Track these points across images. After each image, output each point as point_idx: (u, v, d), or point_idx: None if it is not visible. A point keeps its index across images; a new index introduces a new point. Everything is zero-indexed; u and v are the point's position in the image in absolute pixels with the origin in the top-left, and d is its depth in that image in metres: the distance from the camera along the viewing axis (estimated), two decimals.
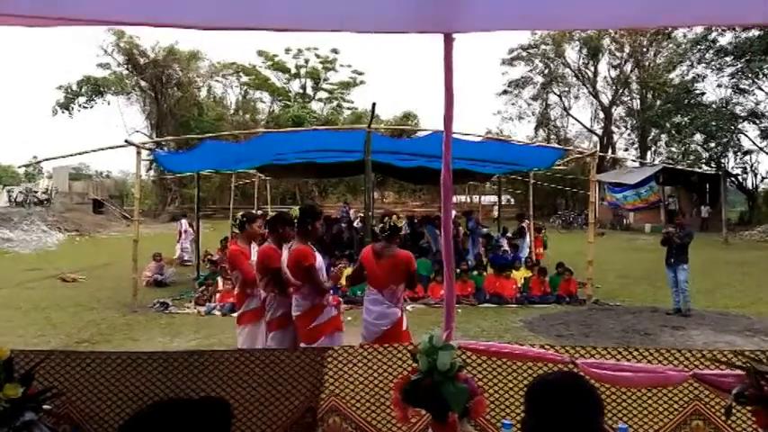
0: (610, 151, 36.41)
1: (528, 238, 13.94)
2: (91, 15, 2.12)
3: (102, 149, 10.04)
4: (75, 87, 35.21)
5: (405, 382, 2.05)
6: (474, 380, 2.17)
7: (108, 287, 11.19)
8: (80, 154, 11.87)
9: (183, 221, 16.12)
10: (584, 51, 38.10)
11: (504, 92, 40.99)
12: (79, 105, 35.58)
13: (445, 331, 2.48)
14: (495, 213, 22.61)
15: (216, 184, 32.88)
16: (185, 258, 15.22)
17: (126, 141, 9.53)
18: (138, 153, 9.51)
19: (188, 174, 16.88)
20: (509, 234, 14.79)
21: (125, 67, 37.14)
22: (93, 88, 35.51)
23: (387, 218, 4.55)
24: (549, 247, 14.93)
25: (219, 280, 9.97)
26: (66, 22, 2.07)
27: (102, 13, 2.14)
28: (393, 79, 74.40)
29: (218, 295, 9.43)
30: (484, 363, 2.52)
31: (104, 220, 30.35)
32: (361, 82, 44.40)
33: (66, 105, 35.21)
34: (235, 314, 8.75)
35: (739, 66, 21.67)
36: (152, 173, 33.92)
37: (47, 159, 13.80)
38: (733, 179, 28.90)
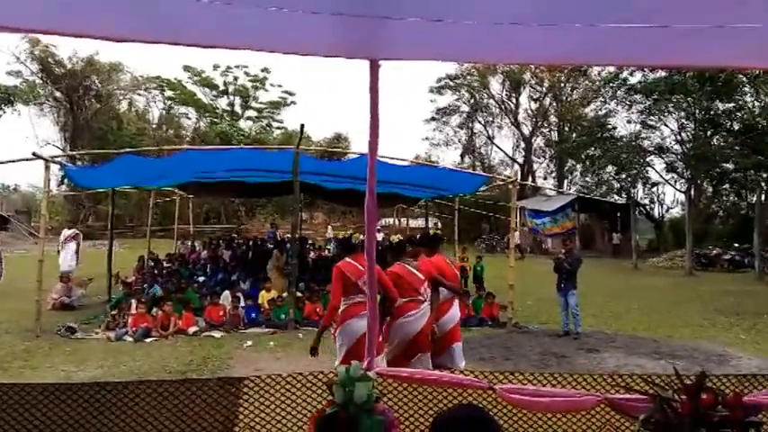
0: (530, 179, 38.07)
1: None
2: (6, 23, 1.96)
3: (8, 162, 9.39)
4: None
5: (320, 415, 1.98)
6: (392, 409, 2.13)
7: (9, 310, 10.32)
8: None
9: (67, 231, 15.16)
10: (507, 84, 39.94)
11: (433, 119, 42.24)
12: None
13: (367, 358, 2.44)
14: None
15: (134, 202, 31.42)
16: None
17: (33, 154, 8.91)
18: (47, 167, 8.90)
19: (103, 190, 16.04)
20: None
21: (38, 75, 35.13)
22: (2, 97, 33.28)
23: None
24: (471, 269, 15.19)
25: (133, 303, 9.43)
26: None
27: (12, 20, 1.98)
28: (325, 100, 74.62)
29: (130, 319, 8.89)
30: (404, 390, 2.49)
31: (9, 237, 28.23)
32: (292, 102, 44.23)
33: None
34: (149, 339, 8.40)
35: (647, 104, 23.30)
36: (64, 188, 31.99)
37: None
38: (642, 208, 30.89)
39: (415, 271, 5.04)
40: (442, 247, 5.75)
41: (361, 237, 4.92)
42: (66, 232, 15.27)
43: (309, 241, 19.50)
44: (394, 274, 4.94)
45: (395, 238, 5.67)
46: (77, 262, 15.25)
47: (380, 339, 4.76)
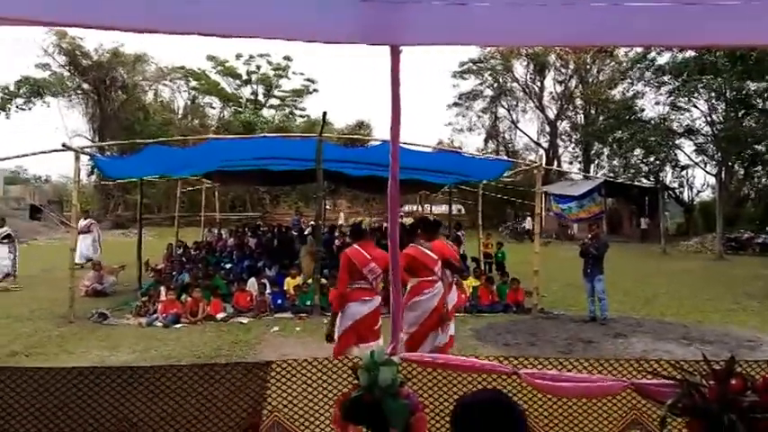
0: (555, 164, 37.60)
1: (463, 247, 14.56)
2: (23, 15, 2.00)
3: (39, 153, 9.62)
4: (12, 88, 33.65)
5: (345, 398, 2.01)
6: (417, 393, 2.15)
7: (43, 297, 10.65)
8: (15, 157, 11.49)
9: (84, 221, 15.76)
10: (531, 67, 39.30)
11: (455, 104, 41.82)
12: (17, 107, 34.02)
13: (391, 343, 2.46)
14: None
15: (161, 191, 31.94)
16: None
17: (63, 145, 9.11)
18: (77, 158, 9.10)
19: (131, 179, 16.38)
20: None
21: (66, 68, 35.78)
22: (32, 89, 34.01)
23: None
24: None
25: (162, 290, 9.63)
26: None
27: (34, 14, 2.02)
28: (347, 87, 74.55)
29: (160, 306, 9.09)
30: (429, 375, 2.51)
31: (42, 226, 29.02)
32: (314, 90, 44.28)
33: (2, 106, 33.59)
34: (178, 325, 8.59)
35: (676, 85, 22.71)
36: (93, 178, 32.67)
37: None
38: (671, 192, 30.26)
39: (428, 252, 5.23)
40: (440, 231, 6.04)
41: (384, 223, 5.14)
42: (81, 223, 15.62)
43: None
44: (409, 256, 5.10)
45: (407, 221, 5.87)
46: (99, 251, 15.94)
47: (377, 326, 4.97)
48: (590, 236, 9.64)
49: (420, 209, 27.79)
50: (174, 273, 11.84)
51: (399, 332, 2.53)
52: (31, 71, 34.92)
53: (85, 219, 16.34)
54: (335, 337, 4.93)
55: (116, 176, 15.55)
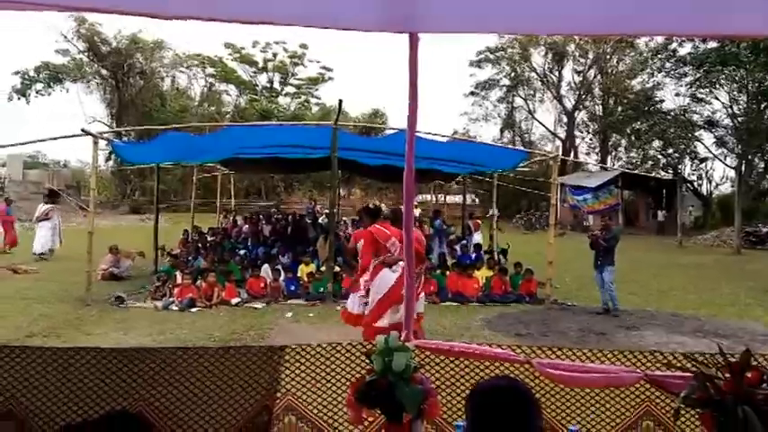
0: (572, 155, 37.24)
1: (476, 235, 14.71)
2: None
3: (58, 138, 9.72)
4: (32, 73, 34.04)
5: (360, 382, 2.03)
6: (430, 380, 2.17)
7: (61, 280, 10.81)
8: (34, 142, 11.66)
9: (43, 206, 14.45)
10: (550, 56, 38.86)
11: (472, 93, 41.53)
12: (36, 92, 34.45)
13: (404, 331, 2.48)
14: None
15: (177, 177, 32.19)
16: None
17: (82, 130, 9.21)
18: (96, 143, 9.20)
19: (148, 165, 16.48)
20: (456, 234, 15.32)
21: (85, 54, 36.07)
22: (51, 75, 34.39)
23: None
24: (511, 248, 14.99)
25: (178, 274, 9.74)
26: (16, 6, 1.97)
27: None
28: (363, 76, 74.13)
29: (176, 290, 9.21)
30: (442, 362, 2.52)
31: (60, 210, 29.36)
32: (330, 78, 44.21)
33: (22, 92, 34.06)
34: (194, 309, 8.70)
35: (697, 76, 22.36)
36: (111, 163, 33.02)
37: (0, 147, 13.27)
38: (689, 185, 29.88)
39: (419, 235, 5.84)
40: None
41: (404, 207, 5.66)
42: (42, 208, 14.56)
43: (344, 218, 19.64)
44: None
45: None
46: (60, 241, 14.56)
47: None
48: (601, 227, 9.57)
49: (434, 198, 27.73)
50: (189, 258, 11.97)
51: (412, 320, 2.55)
52: (50, 57, 35.32)
53: (45, 203, 14.76)
54: (369, 305, 5.62)
55: (133, 162, 15.68)
